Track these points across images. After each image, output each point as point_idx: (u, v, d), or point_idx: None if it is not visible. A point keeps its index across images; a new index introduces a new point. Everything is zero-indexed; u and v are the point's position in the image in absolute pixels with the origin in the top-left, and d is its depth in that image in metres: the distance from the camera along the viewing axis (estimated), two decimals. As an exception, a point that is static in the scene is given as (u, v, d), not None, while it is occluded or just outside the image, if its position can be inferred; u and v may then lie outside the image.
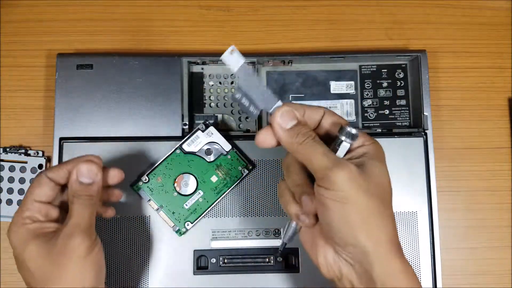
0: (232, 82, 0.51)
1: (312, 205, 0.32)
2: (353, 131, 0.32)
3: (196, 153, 0.46)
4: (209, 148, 0.46)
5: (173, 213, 0.46)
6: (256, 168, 0.47)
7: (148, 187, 0.46)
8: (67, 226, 0.35)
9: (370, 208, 0.31)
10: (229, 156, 0.47)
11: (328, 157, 0.31)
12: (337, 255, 0.33)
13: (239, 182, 0.47)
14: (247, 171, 0.47)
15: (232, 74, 0.51)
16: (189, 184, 0.46)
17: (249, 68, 0.32)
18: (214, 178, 0.46)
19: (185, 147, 0.46)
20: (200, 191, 0.46)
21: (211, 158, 0.46)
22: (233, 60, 0.33)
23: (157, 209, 0.46)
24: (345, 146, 0.32)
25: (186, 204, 0.46)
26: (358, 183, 0.31)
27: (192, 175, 0.46)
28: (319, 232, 0.34)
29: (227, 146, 0.46)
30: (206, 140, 0.46)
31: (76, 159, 0.37)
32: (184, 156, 0.46)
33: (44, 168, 0.50)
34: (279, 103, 0.33)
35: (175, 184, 0.46)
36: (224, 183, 0.46)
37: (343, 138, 0.32)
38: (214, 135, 0.46)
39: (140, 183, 0.46)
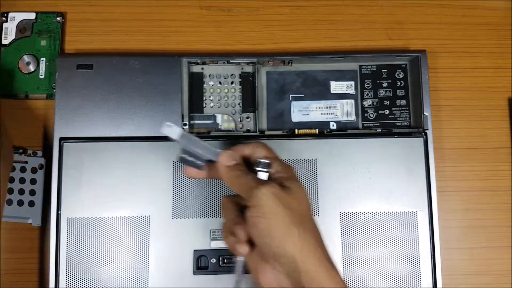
0: (232, 82, 0.51)
1: (244, 232, 0.37)
2: (266, 160, 0.38)
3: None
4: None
5: None
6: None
7: None
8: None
9: (293, 220, 0.35)
10: None
11: (255, 179, 0.38)
12: (276, 271, 0.36)
13: None
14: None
15: (232, 74, 0.51)
16: None
17: (187, 133, 0.40)
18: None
19: None
20: None
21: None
22: (172, 131, 0.39)
23: None
24: (263, 175, 0.39)
25: None
26: (280, 198, 0.36)
27: None
28: (259, 257, 0.37)
29: None
30: None
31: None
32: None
33: (44, 168, 0.50)
34: (220, 151, 0.40)
35: None
36: None
37: (258, 168, 0.39)
38: None
39: None
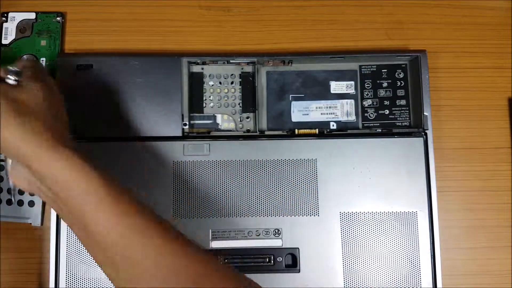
0: (232, 82, 0.51)
1: None
2: (11, 68, 0.38)
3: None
4: None
5: None
6: (256, 169, 0.47)
7: None
8: None
9: (12, 107, 0.36)
10: None
11: None
12: (20, 170, 0.37)
13: None
14: None
15: (232, 74, 0.51)
16: None
17: None
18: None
19: None
20: None
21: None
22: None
23: None
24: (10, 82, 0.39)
25: None
26: (4, 93, 0.36)
27: None
28: None
29: None
30: None
31: None
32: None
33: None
34: None
35: None
36: None
37: (7, 76, 0.38)
38: None
39: None
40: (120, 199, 0.35)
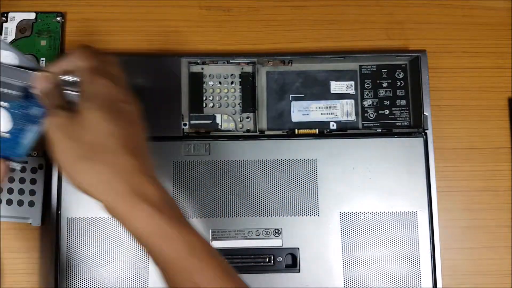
0: (232, 82, 0.51)
1: None
2: (68, 78, 0.34)
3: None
4: None
5: None
6: (256, 169, 0.47)
7: None
8: None
9: (78, 153, 0.31)
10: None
11: (51, 108, 0.34)
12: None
13: None
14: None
15: (232, 74, 0.51)
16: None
17: None
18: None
19: None
20: None
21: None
22: None
23: None
24: (69, 95, 0.34)
25: None
26: (64, 128, 0.32)
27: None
28: None
29: None
30: None
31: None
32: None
33: (43, 168, 0.50)
34: (36, 73, 0.35)
35: None
36: None
37: (66, 87, 0.34)
38: None
39: None
40: (213, 252, 0.33)
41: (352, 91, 0.52)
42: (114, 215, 0.33)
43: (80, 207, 0.47)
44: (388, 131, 0.50)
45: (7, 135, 0.37)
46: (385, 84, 0.52)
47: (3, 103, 0.35)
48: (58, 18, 0.53)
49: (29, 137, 0.37)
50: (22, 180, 0.50)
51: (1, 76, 0.34)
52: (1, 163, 0.36)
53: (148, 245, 0.32)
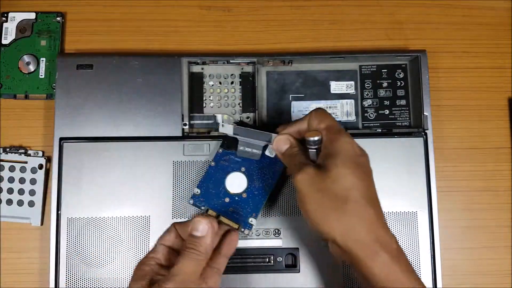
0: (232, 82, 0.51)
1: None
2: (313, 138, 0.37)
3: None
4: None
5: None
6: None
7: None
8: (168, 273, 0.35)
9: (329, 204, 0.34)
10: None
11: (296, 165, 0.37)
12: (332, 247, 0.36)
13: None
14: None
15: (232, 74, 0.51)
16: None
17: (239, 127, 0.44)
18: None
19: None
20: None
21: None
22: (226, 129, 0.44)
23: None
24: (310, 152, 0.38)
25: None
26: (313, 183, 0.35)
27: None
28: None
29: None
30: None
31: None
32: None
33: (44, 168, 0.50)
34: (274, 135, 0.41)
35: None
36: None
37: (307, 146, 0.38)
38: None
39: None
40: None
41: (352, 91, 0.52)
42: (345, 257, 0.35)
43: (80, 207, 0.47)
44: (388, 131, 0.50)
45: (244, 195, 0.44)
46: (385, 84, 0.52)
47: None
48: (58, 18, 0.53)
49: (263, 196, 0.44)
50: (22, 180, 0.50)
51: (245, 137, 0.43)
52: (233, 233, 0.40)
53: None
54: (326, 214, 0.34)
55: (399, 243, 0.36)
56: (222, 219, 0.43)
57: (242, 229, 0.43)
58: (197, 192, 0.44)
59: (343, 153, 0.36)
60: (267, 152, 0.44)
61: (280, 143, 0.40)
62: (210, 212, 0.44)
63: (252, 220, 0.43)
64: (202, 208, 0.44)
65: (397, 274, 0.34)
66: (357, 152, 0.37)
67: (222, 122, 0.44)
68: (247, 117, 0.51)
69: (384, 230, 0.35)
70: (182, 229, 0.39)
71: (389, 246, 0.34)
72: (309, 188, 0.35)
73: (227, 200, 0.44)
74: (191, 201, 0.44)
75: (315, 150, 0.38)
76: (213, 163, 0.45)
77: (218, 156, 0.46)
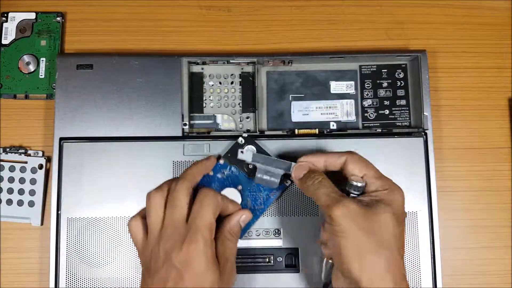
0: (232, 82, 0.51)
1: (323, 234, 0.40)
2: (360, 184, 0.38)
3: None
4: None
5: None
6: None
7: None
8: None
9: (366, 245, 0.34)
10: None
11: (329, 196, 0.37)
12: (344, 282, 0.36)
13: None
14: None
15: (232, 74, 0.51)
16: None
17: (258, 154, 0.44)
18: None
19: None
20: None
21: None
22: (245, 156, 0.44)
23: None
24: (353, 195, 0.38)
25: None
26: (354, 219, 0.35)
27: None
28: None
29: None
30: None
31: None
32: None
33: (43, 168, 0.50)
34: (293, 163, 0.42)
35: None
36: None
37: (350, 190, 0.38)
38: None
39: None
40: None
41: (352, 91, 0.52)
42: None
43: (80, 207, 0.47)
44: (388, 131, 0.50)
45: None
46: (385, 84, 0.52)
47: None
48: (58, 18, 0.53)
49: (251, 220, 0.43)
50: (22, 180, 0.50)
51: (264, 165, 0.43)
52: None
53: None
54: (362, 255, 0.34)
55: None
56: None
57: None
58: None
59: (397, 204, 0.37)
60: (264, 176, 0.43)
61: (298, 171, 0.40)
62: None
63: None
64: None
65: None
66: (404, 208, 0.38)
67: (242, 148, 0.44)
68: (247, 117, 0.51)
69: (405, 283, 0.36)
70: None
71: None
72: (350, 223, 0.35)
73: None
74: None
75: (356, 195, 0.38)
76: (211, 173, 0.45)
77: (218, 167, 0.45)
